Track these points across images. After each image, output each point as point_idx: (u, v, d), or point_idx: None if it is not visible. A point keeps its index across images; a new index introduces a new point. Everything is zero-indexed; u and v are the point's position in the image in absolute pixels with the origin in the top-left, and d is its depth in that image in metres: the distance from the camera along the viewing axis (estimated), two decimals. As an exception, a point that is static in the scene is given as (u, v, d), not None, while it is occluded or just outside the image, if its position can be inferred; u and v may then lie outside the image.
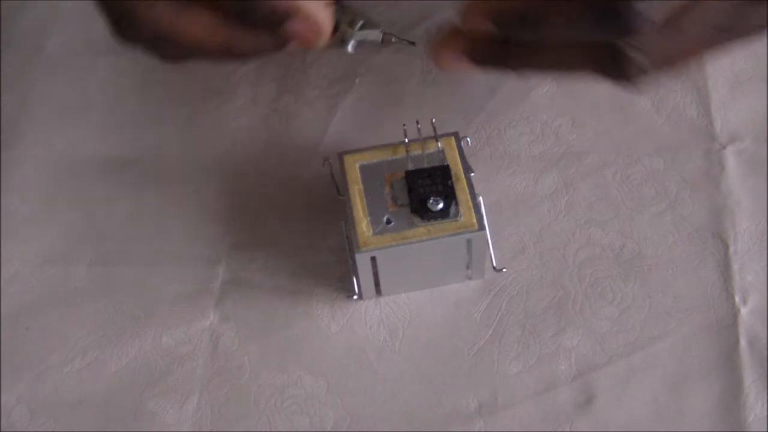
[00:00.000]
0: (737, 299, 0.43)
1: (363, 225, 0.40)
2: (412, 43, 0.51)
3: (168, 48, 0.37)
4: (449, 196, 0.40)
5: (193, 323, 0.44)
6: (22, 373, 0.43)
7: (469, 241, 0.41)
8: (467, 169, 0.41)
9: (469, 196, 0.41)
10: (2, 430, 0.42)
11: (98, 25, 0.55)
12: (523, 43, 0.36)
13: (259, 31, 0.36)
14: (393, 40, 0.51)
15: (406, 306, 0.44)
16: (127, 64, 0.53)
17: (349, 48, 0.40)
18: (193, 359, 0.43)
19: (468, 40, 0.37)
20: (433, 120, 0.43)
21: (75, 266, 0.46)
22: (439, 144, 0.42)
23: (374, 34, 0.51)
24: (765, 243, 0.44)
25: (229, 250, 0.46)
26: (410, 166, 0.41)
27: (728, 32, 0.35)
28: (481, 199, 0.41)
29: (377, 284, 0.43)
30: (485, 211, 0.41)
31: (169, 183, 0.48)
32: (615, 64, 0.35)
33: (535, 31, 0.34)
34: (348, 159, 0.42)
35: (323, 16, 0.37)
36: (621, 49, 0.34)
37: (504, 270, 0.44)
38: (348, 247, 0.42)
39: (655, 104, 0.49)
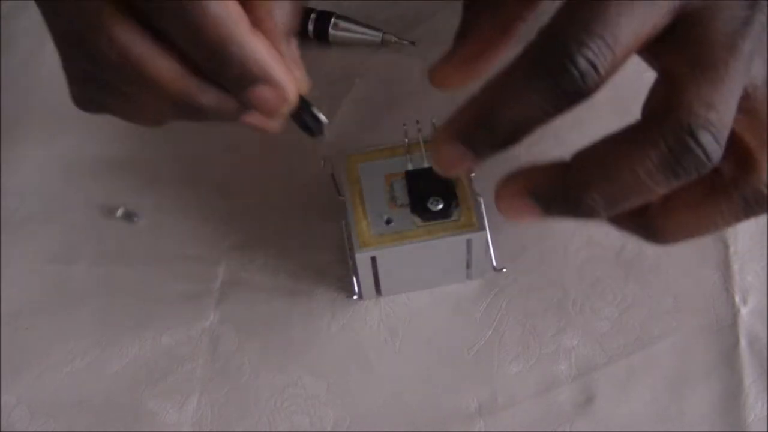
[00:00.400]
0: (737, 299, 0.43)
1: (363, 225, 0.40)
2: (412, 43, 0.51)
3: (131, 98, 0.36)
4: (449, 196, 0.40)
5: (193, 323, 0.44)
6: (22, 373, 0.43)
7: (469, 241, 0.41)
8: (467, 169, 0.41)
9: (469, 196, 0.41)
10: (2, 430, 0.42)
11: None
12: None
13: (223, 90, 0.35)
14: (393, 40, 0.51)
15: (406, 306, 0.44)
16: (127, 64, 0.53)
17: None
18: (193, 359, 0.43)
19: (535, 180, 0.33)
20: (433, 120, 0.42)
21: (75, 266, 0.46)
22: (439, 144, 0.42)
23: (374, 34, 0.51)
24: (765, 243, 0.44)
25: (229, 250, 0.46)
26: (410, 166, 0.41)
27: None
28: (481, 199, 0.41)
29: (377, 284, 0.43)
30: (485, 211, 0.41)
31: (168, 183, 0.48)
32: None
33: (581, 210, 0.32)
34: (348, 159, 0.42)
35: (292, 88, 0.35)
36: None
37: (504, 270, 0.44)
38: (348, 247, 0.42)
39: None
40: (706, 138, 0.29)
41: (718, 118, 0.29)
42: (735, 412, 0.40)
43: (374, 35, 0.51)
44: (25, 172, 0.49)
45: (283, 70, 0.34)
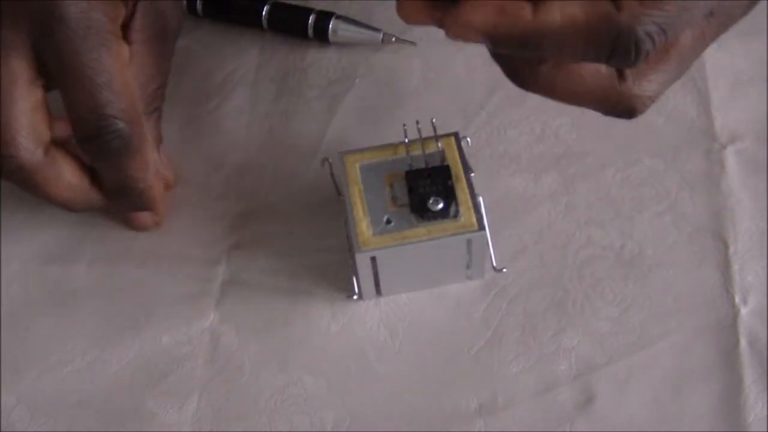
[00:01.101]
0: (737, 299, 0.43)
1: (363, 225, 0.40)
2: (413, 43, 0.51)
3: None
4: (449, 196, 0.40)
5: (193, 323, 0.44)
6: (22, 373, 0.43)
7: (469, 241, 0.41)
8: (467, 169, 0.41)
9: (469, 196, 0.41)
10: (2, 430, 0.42)
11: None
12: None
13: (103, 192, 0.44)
14: (393, 40, 0.51)
15: (406, 306, 0.44)
16: (127, 64, 0.53)
17: None
18: (193, 359, 0.43)
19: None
20: (433, 120, 0.43)
21: (75, 266, 0.46)
22: (439, 144, 0.42)
23: (374, 34, 0.51)
24: (765, 243, 0.44)
25: (229, 250, 0.46)
26: (410, 166, 0.41)
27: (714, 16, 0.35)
28: (481, 199, 0.41)
29: (377, 284, 0.43)
30: (485, 211, 0.41)
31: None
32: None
33: (535, 52, 0.33)
34: (348, 159, 0.42)
35: (162, 217, 0.46)
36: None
37: (504, 270, 0.44)
38: (348, 247, 0.42)
39: (655, 104, 0.49)
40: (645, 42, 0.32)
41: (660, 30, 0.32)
42: (735, 412, 0.40)
43: (374, 35, 0.51)
44: (25, 172, 0.49)
45: (162, 202, 0.45)
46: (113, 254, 0.46)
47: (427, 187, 0.40)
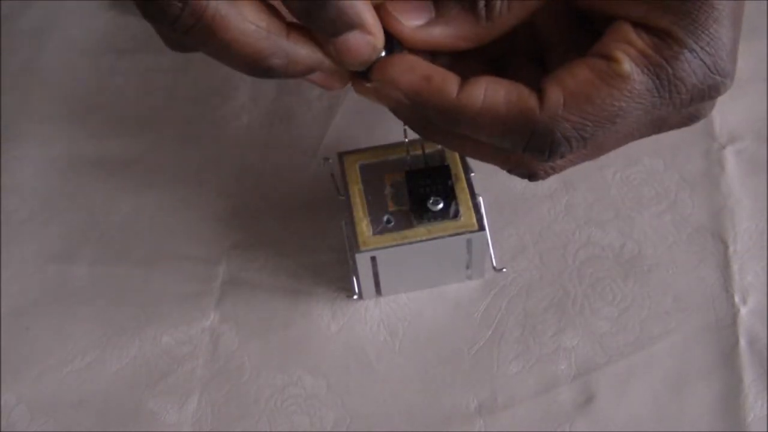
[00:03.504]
0: (737, 299, 0.43)
1: (363, 225, 0.40)
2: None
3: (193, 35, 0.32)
4: (449, 196, 0.40)
5: (193, 323, 0.44)
6: (22, 373, 0.43)
7: (469, 241, 0.41)
8: (467, 169, 0.41)
9: (469, 196, 0.41)
10: (2, 430, 0.42)
11: (98, 26, 0.55)
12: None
13: (309, 41, 0.33)
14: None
15: (406, 306, 0.44)
16: (128, 64, 0.53)
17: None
18: (193, 359, 0.43)
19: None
20: (433, 120, 0.42)
21: (75, 266, 0.46)
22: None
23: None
24: (765, 243, 0.44)
25: (229, 250, 0.46)
26: (410, 166, 0.41)
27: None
28: (481, 199, 0.41)
29: (377, 284, 0.43)
30: (485, 211, 0.41)
31: (169, 183, 0.48)
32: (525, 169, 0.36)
33: (450, 126, 0.34)
34: (348, 159, 0.42)
35: (381, 37, 0.34)
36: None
37: (504, 270, 0.44)
38: (348, 247, 0.42)
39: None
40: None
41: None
42: (735, 411, 0.40)
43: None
44: (25, 172, 0.49)
45: (374, 17, 0.33)
46: (113, 254, 0.46)
47: (427, 187, 0.40)
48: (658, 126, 0.35)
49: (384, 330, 0.44)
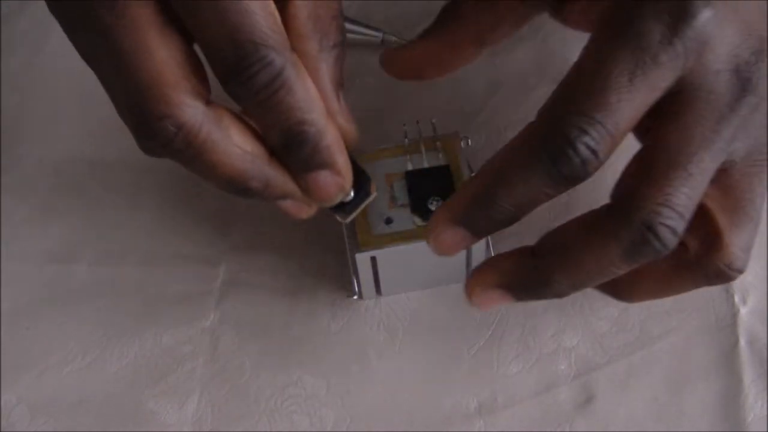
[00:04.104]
0: (737, 299, 0.43)
1: (363, 225, 0.40)
2: (413, 43, 0.51)
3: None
4: (449, 197, 0.40)
5: (193, 323, 0.44)
6: (22, 373, 0.43)
7: (469, 241, 0.41)
8: (467, 169, 0.41)
9: (469, 196, 0.40)
10: (2, 430, 0.42)
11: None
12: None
13: (286, 170, 0.35)
14: (393, 39, 0.51)
15: (406, 306, 0.44)
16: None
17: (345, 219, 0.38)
18: (193, 359, 0.43)
19: (503, 271, 0.35)
20: (433, 120, 0.42)
21: (75, 266, 0.46)
22: (439, 144, 0.42)
23: (374, 34, 0.51)
24: (765, 243, 0.44)
25: (229, 250, 0.46)
26: (410, 166, 0.41)
27: None
28: (481, 199, 0.41)
29: (377, 284, 0.43)
30: (485, 211, 0.41)
31: (169, 183, 0.48)
32: None
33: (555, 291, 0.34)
34: (348, 159, 0.42)
35: (350, 178, 0.36)
36: None
37: (504, 270, 0.44)
38: (348, 247, 0.42)
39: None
40: (664, 233, 0.31)
41: (678, 214, 0.31)
42: (735, 411, 0.40)
43: (374, 35, 0.51)
44: (25, 172, 0.49)
45: (346, 161, 0.35)
46: (113, 254, 0.46)
47: (427, 187, 0.40)
48: None
49: (384, 330, 0.44)
